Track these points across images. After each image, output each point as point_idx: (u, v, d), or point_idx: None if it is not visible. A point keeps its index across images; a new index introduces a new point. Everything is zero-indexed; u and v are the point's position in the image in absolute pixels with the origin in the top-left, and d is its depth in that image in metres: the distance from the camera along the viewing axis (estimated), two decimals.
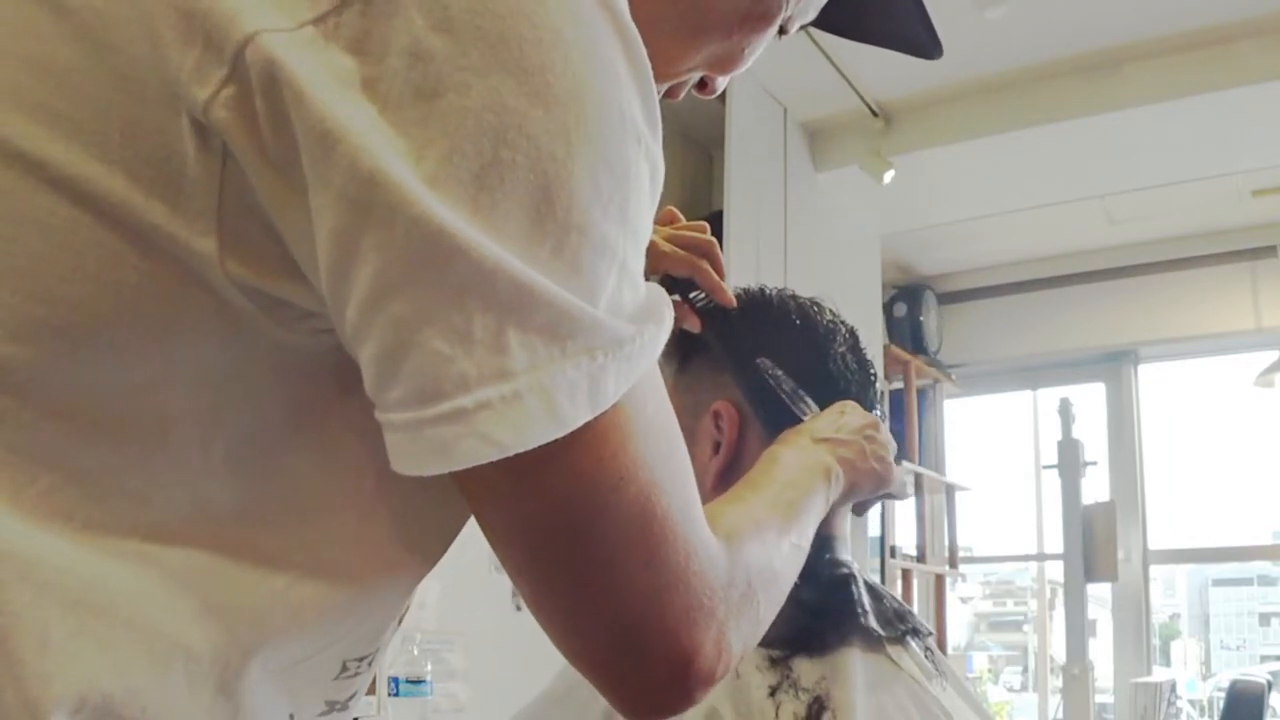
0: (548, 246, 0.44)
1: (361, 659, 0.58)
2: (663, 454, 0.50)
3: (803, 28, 0.74)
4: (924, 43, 0.84)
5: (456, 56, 0.42)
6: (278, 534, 0.51)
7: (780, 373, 0.94)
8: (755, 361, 0.95)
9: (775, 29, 0.68)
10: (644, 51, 0.48)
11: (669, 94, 0.69)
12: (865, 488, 0.89)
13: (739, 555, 0.57)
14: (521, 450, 0.44)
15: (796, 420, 0.93)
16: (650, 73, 0.48)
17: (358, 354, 0.45)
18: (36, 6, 0.46)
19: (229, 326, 0.47)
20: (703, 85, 0.71)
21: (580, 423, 0.45)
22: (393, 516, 0.54)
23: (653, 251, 0.92)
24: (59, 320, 0.45)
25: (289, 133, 0.42)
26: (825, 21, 0.76)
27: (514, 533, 0.49)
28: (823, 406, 0.95)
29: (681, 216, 0.98)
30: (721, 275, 0.95)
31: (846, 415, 0.91)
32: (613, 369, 0.46)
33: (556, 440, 0.45)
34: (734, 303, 0.96)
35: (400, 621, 0.62)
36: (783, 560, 0.66)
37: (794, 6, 0.68)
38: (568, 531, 0.48)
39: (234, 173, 0.44)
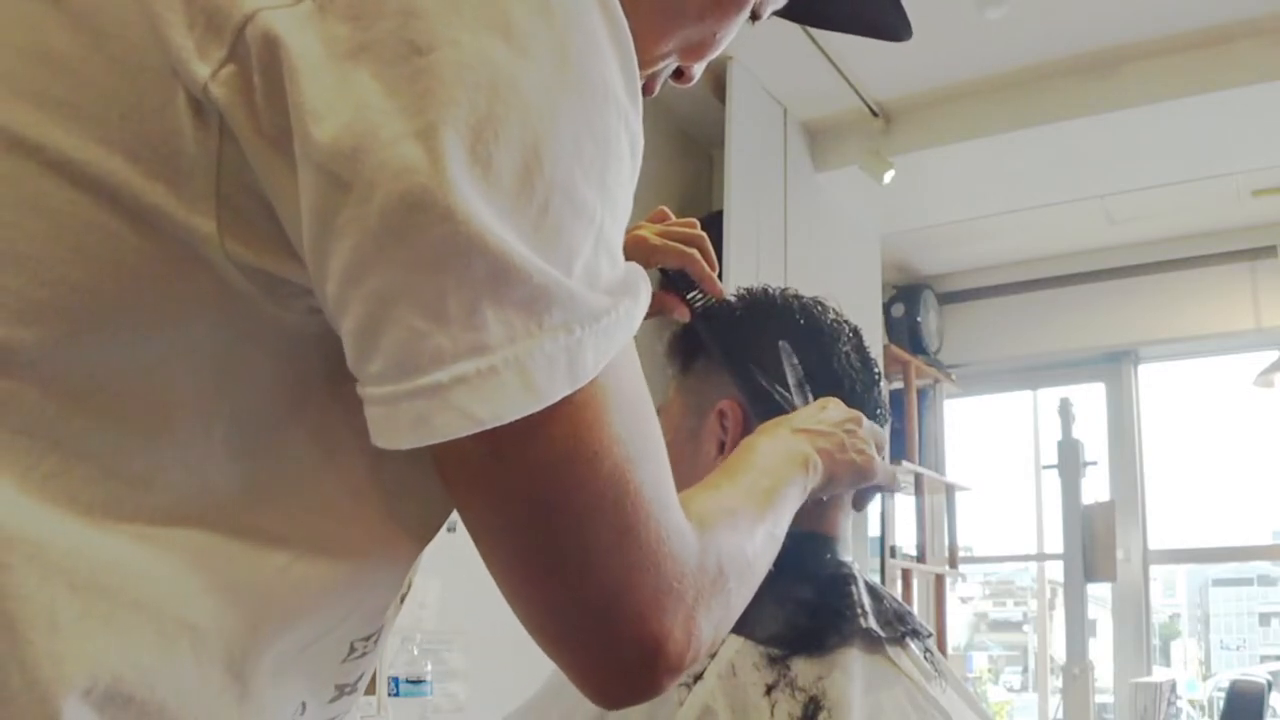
0: (536, 205, 0.44)
1: (368, 638, 0.58)
2: (638, 432, 0.50)
3: (774, 14, 0.74)
4: (894, 25, 0.83)
5: (448, 14, 0.43)
6: (277, 513, 0.51)
7: (796, 360, 0.95)
8: (779, 343, 0.95)
9: (747, 13, 0.69)
10: (626, 27, 0.48)
11: (645, 88, 0.69)
12: (845, 479, 0.88)
13: (711, 540, 0.57)
14: (498, 423, 0.44)
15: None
16: (632, 48, 0.49)
17: (339, 329, 0.46)
18: None
19: (229, 306, 0.47)
20: (679, 74, 0.72)
21: (558, 396, 0.45)
22: (388, 493, 0.54)
23: (644, 246, 0.93)
24: (62, 303, 0.46)
25: (284, 109, 0.43)
26: (795, 7, 0.76)
27: (486, 505, 0.49)
28: None
29: (672, 215, 0.99)
30: (713, 267, 0.96)
31: (828, 409, 0.90)
32: (590, 343, 0.46)
33: (533, 414, 0.45)
34: (723, 294, 0.96)
35: (403, 600, 0.62)
36: (756, 548, 0.66)
37: None
38: (540, 505, 0.48)
39: (231, 152, 0.45)
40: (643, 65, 0.67)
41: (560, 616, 0.51)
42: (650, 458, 0.51)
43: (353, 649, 0.57)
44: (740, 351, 0.97)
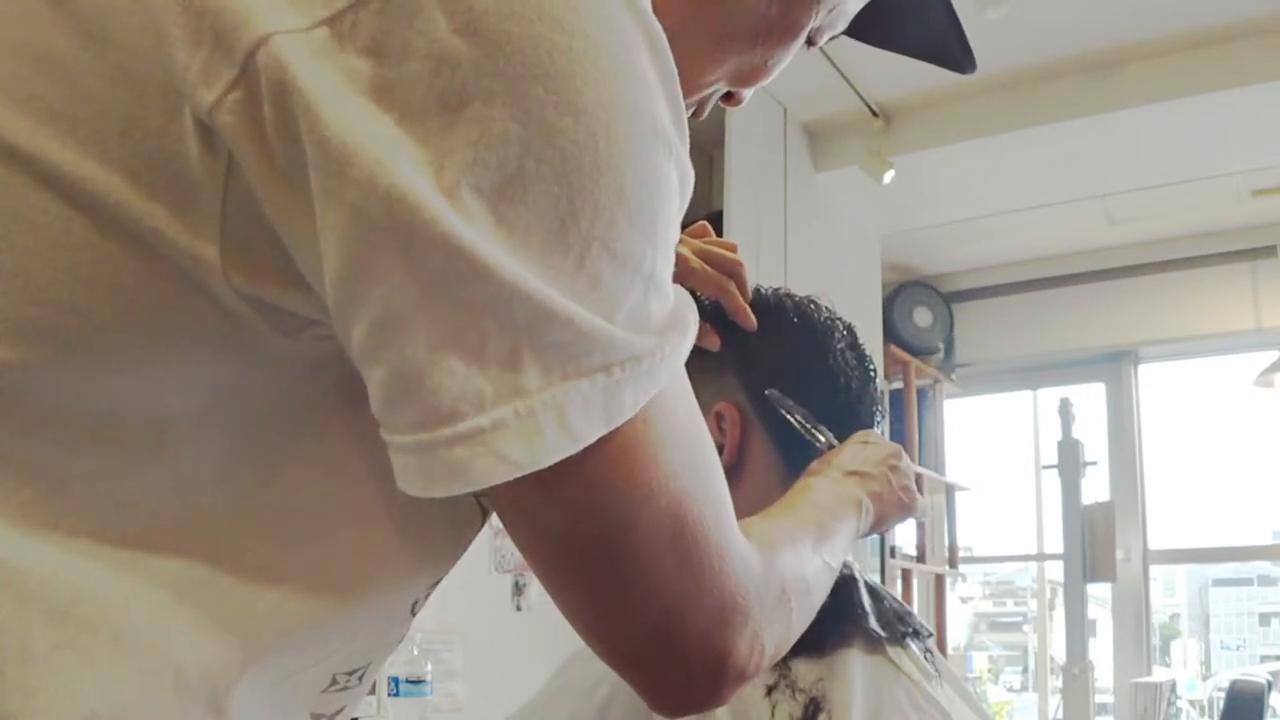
0: (570, 259, 0.42)
1: (352, 672, 0.57)
2: (693, 461, 0.49)
3: (833, 38, 0.72)
4: (956, 55, 0.82)
5: (483, 62, 0.40)
6: (274, 545, 0.50)
7: (791, 403, 0.95)
8: (765, 393, 0.95)
9: (802, 40, 0.67)
10: (670, 57, 0.46)
11: (694, 114, 0.67)
12: (893, 518, 0.89)
13: (774, 560, 0.57)
14: (536, 468, 0.43)
15: (804, 439, 0.93)
16: (677, 78, 0.47)
17: (365, 374, 0.44)
18: None
19: (228, 333, 0.45)
20: (727, 97, 0.70)
21: (594, 438, 0.44)
22: (394, 528, 0.53)
23: (682, 266, 0.92)
24: (51, 323, 0.44)
25: (297, 142, 0.40)
26: (855, 31, 0.74)
27: (544, 544, 0.48)
28: (824, 406, 0.95)
29: (713, 231, 0.98)
30: (746, 298, 0.96)
31: (870, 446, 0.91)
32: (630, 383, 0.45)
33: (587, 454, 0.44)
34: (755, 325, 0.96)
35: (401, 640, 0.61)
36: (815, 573, 0.66)
37: (823, 17, 0.66)
38: (599, 543, 0.47)
39: (237, 178, 0.42)
40: (692, 92, 0.64)
41: (624, 641, 0.50)
42: (708, 486, 0.50)
43: (334, 681, 0.56)
44: (757, 363, 0.97)
